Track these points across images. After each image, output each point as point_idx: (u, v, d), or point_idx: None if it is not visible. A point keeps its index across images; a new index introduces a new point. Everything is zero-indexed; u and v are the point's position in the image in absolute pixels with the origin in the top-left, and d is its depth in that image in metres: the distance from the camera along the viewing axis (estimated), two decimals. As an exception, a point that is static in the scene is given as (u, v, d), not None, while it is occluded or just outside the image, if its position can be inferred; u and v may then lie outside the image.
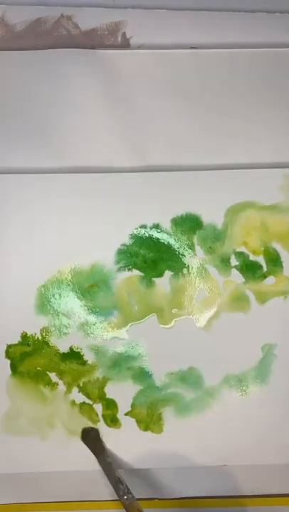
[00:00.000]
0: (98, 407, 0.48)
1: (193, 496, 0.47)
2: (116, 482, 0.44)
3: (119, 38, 0.49)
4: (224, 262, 0.49)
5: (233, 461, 0.47)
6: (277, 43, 0.49)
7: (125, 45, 0.49)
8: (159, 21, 0.49)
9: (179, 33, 0.49)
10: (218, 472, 0.46)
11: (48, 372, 0.48)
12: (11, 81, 0.48)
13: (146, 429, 0.47)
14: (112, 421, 0.47)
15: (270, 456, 0.47)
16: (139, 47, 0.49)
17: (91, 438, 0.47)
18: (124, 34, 0.49)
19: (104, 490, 0.47)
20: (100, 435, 0.47)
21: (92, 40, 0.49)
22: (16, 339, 0.48)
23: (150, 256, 0.49)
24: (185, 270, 0.49)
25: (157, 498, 0.47)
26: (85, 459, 0.47)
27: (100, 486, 0.47)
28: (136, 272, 0.49)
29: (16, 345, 0.48)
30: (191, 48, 0.49)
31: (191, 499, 0.47)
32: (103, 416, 0.47)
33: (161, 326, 0.48)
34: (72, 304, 0.48)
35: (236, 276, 0.49)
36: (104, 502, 0.47)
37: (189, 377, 0.48)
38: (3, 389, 0.47)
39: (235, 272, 0.49)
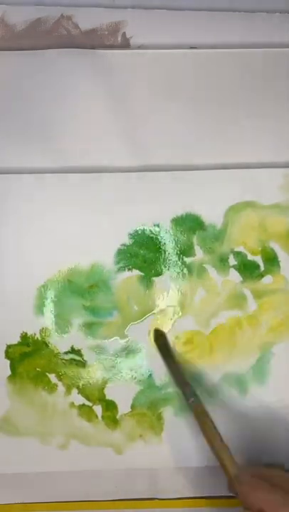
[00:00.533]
0: (98, 408, 0.48)
1: (193, 496, 0.47)
2: (183, 385, 0.45)
3: (119, 38, 0.49)
4: (223, 262, 0.49)
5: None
6: (277, 43, 0.49)
7: (125, 45, 0.49)
8: (159, 21, 0.49)
9: (179, 33, 0.49)
10: (218, 472, 0.46)
11: (47, 374, 0.48)
12: (11, 81, 0.48)
13: (146, 429, 0.47)
14: (112, 422, 0.47)
15: (269, 456, 0.47)
16: (139, 47, 0.49)
17: (163, 339, 0.48)
18: (124, 34, 0.49)
19: (104, 490, 0.47)
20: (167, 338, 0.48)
21: (92, 40, 0.49)
22: (15, 339, 0.48)
23: (150, 256, 0.49)
24: (185, 270, 0.49)
25: (157, 498, 0.47)
26: (85, 459, 0.47)
27: (100, 486, 0.47)
28: (136, 272, 0.49)
29: (15, 345, 0.48)
30: (191, 48, 0.49)
31: (191, 499, 0.47)
32: (103, 417, 0.47)
33: (161, 325, 0.48)
34: (72, 304, 0.48)
35: (234, 276, 0.49)
36: (105, 502, 0.47)
37: (189, 376, 0.48)
38: (3, 390, 0.47)
39: (233, 272, 0.49)
